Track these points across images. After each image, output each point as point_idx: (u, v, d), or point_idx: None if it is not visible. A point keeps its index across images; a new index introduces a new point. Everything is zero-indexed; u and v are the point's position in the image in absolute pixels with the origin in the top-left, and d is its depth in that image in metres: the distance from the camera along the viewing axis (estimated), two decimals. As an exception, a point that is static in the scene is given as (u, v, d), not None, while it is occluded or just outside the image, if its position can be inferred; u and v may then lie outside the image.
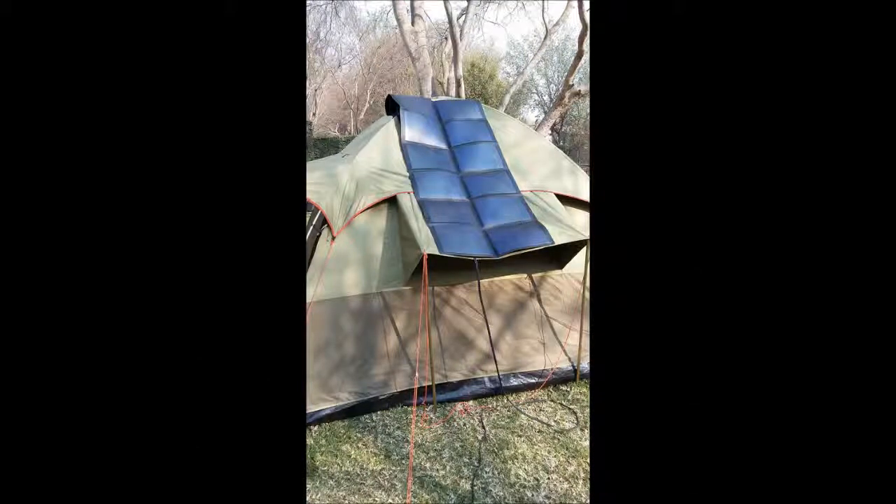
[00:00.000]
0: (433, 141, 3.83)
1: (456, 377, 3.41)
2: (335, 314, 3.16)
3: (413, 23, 10.05)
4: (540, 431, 3.11)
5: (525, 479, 2.69)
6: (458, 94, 10.45)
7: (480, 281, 3.30)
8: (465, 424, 3.18)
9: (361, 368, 3.23)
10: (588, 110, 8.88)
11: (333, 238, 3.21)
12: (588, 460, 2.81)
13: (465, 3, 12.70)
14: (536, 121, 22.66)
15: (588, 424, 3.13)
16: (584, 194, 3.77)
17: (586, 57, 9.03)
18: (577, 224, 3.52)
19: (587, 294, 3.54)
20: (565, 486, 2.65)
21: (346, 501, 2.54)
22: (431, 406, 3.33)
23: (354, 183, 3.39)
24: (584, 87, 9.60)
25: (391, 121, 3.89)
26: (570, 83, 9.62)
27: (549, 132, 15.43)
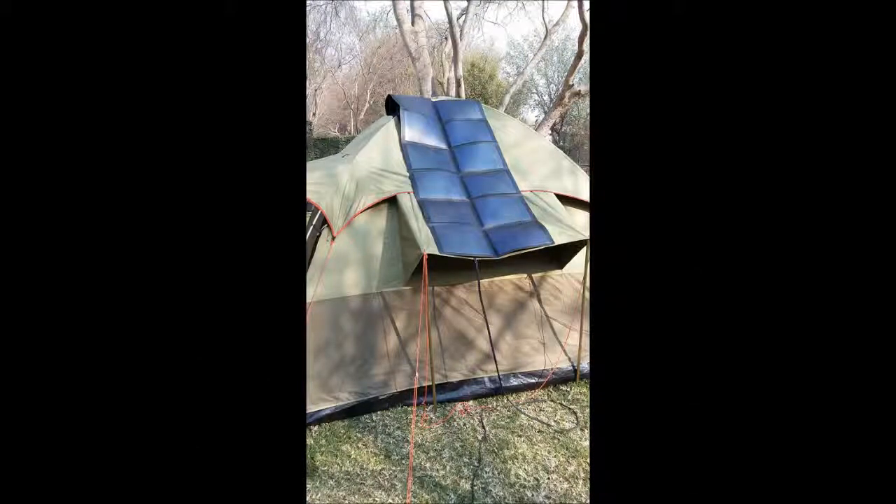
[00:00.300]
0: (433, 141, 3.83)
1: (456, 377, 3.41)
2: (335, 314, 3.16)
3: (413, 23, 10.05)
4: (540, 431, 3.11)
5: (525, 479, 2.69)
6: (458, 94, 10.45)
7: (480, 281, 3.30)
8: (465, 424, 3.18)
9: (361, 368, 3.23)
10: (588, 110, 8.89)
11: (333, 238, 3.21)
12: (588, 460, 2.81)
13: (465, 3, 12.71)
14: (536, 121, 22.67)
15: (588, 424, 3.13)
16: (584, 194, 3.77)
17: (586, 57, 9.03)
18: (577, 224, 3.52)
19: (587, 294, 3.54)
20: (565, 486, 2.65)
21: (346, 501, 2.54)
22: (431, 406, 3.33)
23: (354, 183, 3.39)
24: (584, 87, 9.60)
25: (391, 121, 3.89)
26: (570, 83, 9.63)
27: (549, 132, 15.43)
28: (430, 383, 3.31)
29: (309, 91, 20.36)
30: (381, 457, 2.88)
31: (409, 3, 10.20)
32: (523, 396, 3.49)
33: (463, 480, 2.68)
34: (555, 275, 3.59)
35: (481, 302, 3.30)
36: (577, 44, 9.61)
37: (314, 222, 3.19)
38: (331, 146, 17.44)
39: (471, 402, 3.40)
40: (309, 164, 3.59)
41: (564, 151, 4.49)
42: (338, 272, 3.19)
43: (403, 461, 2.83)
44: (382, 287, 3.25)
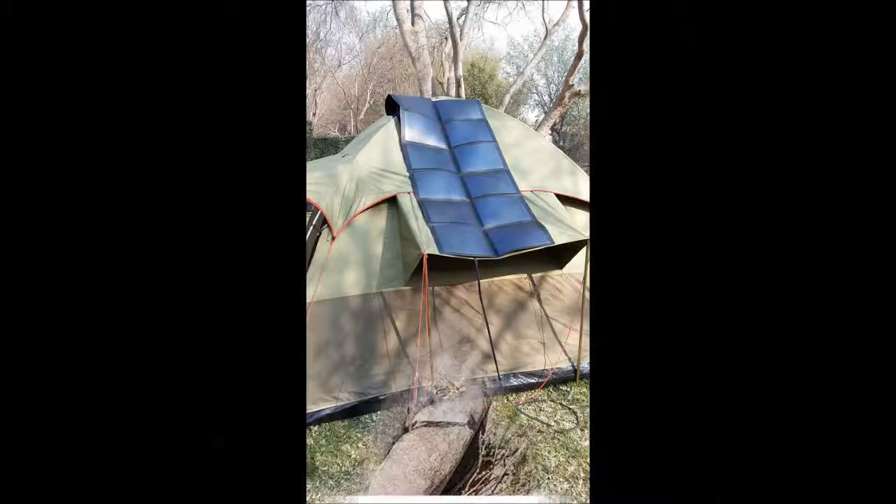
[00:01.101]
0: (433, 141, 3.83)
1: (456, 377, 3.41)
2: (335, 314, 3.16)
3: (413, 23, 10.05)
4: (540, 431, 3.11)
5: (525, 479, 2.69)
6: (458, 94, 10.45)
7: (480, 281, 3.30)
8: (465, 424, 3.18)
9: (361, 368, 3.23)
10: (588, 110, 8.88)
11: (333, 238, 3.21)
12: (588, 460, 2.81)
13: (465, 3, 12.71)
14: (536, 121, 22.66)
15: (588, 424, 3.13)
16: (584, 194, 3.77)
17: (586, 57, 9.03)
18: (577, 224, 3.52)
19: (587, 294, 3.54)
20: (565, 486, 2.65)
21: (346, 501, 2.53)
22: (431, 406, 3.33)
23: (354, 183, 3.39)
24: (584, 87, 9.60)
25: (391, 121, 3.89)
26: (570, 83, 9.62)
27: (549, 132, 15.43)
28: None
29: (309, 91, 20.35)
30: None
31: (409, 3, 10.20)
32: (523, 396, 3.49)
33: (463, 480, 2.68)
34: (555, 275, 3.59)
35: (481, 302, 3.29)
36: (577, 44, 9.61)
37: (314, 222, 3.19)
38: (331, 146, 17.43)
39: (471, 402, 3.40)
40: (309, 164, 3.59)
41: (564, 151, 4.49)
42: (338, 272, 3.19)
43: (403, 461, 2.82)
44: (382, 287, 3.25)
